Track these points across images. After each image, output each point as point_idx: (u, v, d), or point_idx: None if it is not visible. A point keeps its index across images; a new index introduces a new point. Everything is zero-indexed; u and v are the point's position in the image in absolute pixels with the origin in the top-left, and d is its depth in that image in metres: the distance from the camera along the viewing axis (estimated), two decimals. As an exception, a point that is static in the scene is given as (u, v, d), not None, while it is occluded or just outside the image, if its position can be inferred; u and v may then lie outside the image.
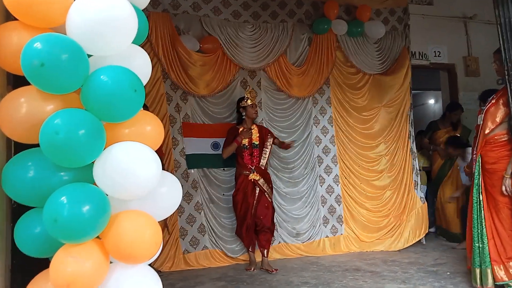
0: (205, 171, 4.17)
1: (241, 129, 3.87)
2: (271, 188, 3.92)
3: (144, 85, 1.50)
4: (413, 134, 5.02)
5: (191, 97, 4.14)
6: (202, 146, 4.14)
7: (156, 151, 1.50)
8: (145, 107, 3.68)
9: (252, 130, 3.91)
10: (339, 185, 4.70)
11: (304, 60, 4.62)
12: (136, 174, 1.37)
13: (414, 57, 5.33)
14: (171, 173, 1.80)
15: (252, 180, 3.81)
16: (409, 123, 4.97)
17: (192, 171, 4.11)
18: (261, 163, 3.87)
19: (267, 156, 3.92)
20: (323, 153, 4.71)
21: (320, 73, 4.61)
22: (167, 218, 3.83)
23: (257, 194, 3.79)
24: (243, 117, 3.91)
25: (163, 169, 1.57)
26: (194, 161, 4.11)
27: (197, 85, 4.13)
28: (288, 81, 4.50)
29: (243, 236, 3.83)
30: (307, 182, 4.57)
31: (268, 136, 3.95)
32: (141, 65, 1.57)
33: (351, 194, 4.70)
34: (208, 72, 4.17)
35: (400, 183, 4.86)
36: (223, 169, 4.22)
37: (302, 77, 4.57)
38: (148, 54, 1.65)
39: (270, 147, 3.94)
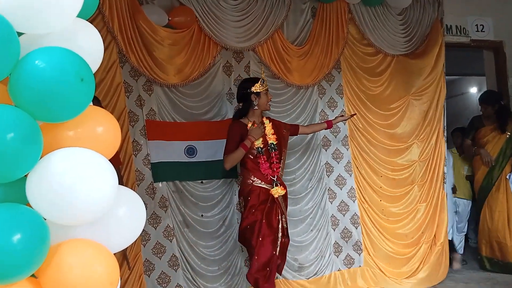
0: (177, 185, 4.16)
1: (249, 125, 3.65)
2: (286, 207, 3.77)
3: (94, 72, 1.49)
4: (445, 134, 5.09)
5: (157, 87, 4.13)
6: (173, 151, 4.12)
7: (111, 160, 1.50)
8: (96, 101, 3.66)
9: (265, 127, 3.70)
10: (355, 201, 4.73)
11: (307, 37, 4.64)
12: (84, 191, 1.37)
13: (449, 33, 5.40)
14: (131, 188, 1.79)
15: (274, 197, 3.58)
16: (444, 117, 5.04)
17: (160, 185, 4.10)
18: (281, 171, 3.72)
19: (285, 159, 3.83)
20: (334, 159, 4.73)
21: (327, 54, 4.64)
22: (126, 249, 3.80)
23: (279, 217, 3.59)
24: (255, 107, 3.68)
25: (121, 183, 1.56)
26: (163, 171, 4.10)
27: (165, 71, 4.12)
28: (285, 64, 4.52)
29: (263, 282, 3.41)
30: (313, 198, 4.58)
31: (284, 132, 3.81)
32: (90, 45, 1.57)
33: (371, 213, 4.74)
34: (179, 54, 4.16)
35: (432, 197, 4.92)
36: (201, 182, 4.22)
37: (304, 60, 4.59)
38: (100, 31, 1.65)
39: (286, 145, 3.82)
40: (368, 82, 4.82)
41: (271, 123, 3.75)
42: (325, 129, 4.12)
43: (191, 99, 4.24)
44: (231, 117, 4.32)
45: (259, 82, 3.68)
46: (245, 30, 4.38)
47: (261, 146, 3.62)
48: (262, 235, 3.47)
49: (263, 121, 3.74)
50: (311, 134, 4.56)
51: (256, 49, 4.41)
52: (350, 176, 4.74)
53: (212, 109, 4.30)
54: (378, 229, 4.71)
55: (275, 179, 3.60)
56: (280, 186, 3.61)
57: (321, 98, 4.71)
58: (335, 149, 4.73)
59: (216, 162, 4.21)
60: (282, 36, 4.52)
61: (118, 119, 3.84)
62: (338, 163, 4.74)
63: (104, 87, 3.91)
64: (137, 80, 4.09)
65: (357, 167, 4.75)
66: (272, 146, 3.66)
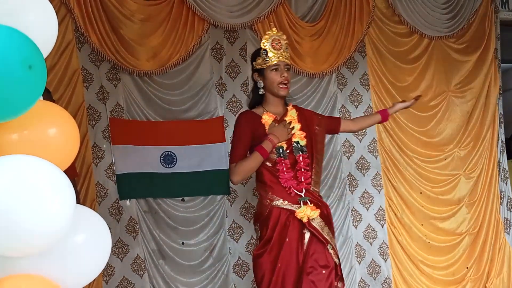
0: (150, 203, 4.15)
1: (265, 116, 3.21)
2: (333, 233, 3.24)
3: (45, 56, 1.49)
4: (503, 139, 5.10)
5: (125, 76, 4.12)
6: (145, 160, 4.12)
7: (65, 171, 1.49)
8: (46, 94, 3.64)
9: (288, 119, 3.22)
10: (384, 225, 4.74)
11: (322, 11, 4.64)
12: (31, 213, 1.36)
13: (505, 7, 5.42)
14: (90, 207, 1.79)
15: (304, 220, 3.06)
16: (498, 119, 5.06)
17: (128, 203, 4.09)
18: (313, 184, 3.19)
19: (321, 167, 3.33)
20: (358, 169, 4.74)
21: (348, 33, 4.65)
22: (85, 287, 3.78)
23: (307, 241, 3.08)
24: (260, 91, 3.24)
25: (77, 201, 1.55)
26: (132, 186, 4.09)
27: (136, 55, 4.12)
28: (294, 47, 4.50)
29: None
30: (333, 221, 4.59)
31: (316, 129, 3.32)
32: (40, 21, 1.56)
33: (404, 242, 4.75)
34: (155, 33, 4.16)
35: (483, 222, 4.93)
36: (182, 200, 4.22)
37: (318, 40, 4.59)
38: (52, 2, 1.64)
39: (322, 151, 3.36)
40: (399, 71, 4.85)
41: (298, 114, 3.28)
42: (379, 122, 3.64)
43: (170, 92, 4.24)
44: (222, 115, 4.33)
45: (261, 54, 3.22)
46: (240, 2, 4.38)
47: (284, 147, 3.16)
48: (274, 280, 3.03)
49: (286, 111, 3.28)
50: (330, 135, 4.41)
51: (255, 26, 4.42)
52: (379, 192, 4.76)
53: (197, 104, 4.29)
54: (412, 262, 4.73)
55: (302, 194, 3.11)
56: (311, 204, 3.08)
57: (341, 90, 4.73)
58: (360, 157, 4.75)
59: (201, 173, 4.21)
60: (289, 9, 4.52)
61: (74, 118, 3.82)
62: (364, 175, 4.75)
63: (55, 76, 3.89)
64: (99, 67, 4.08)
65: (389, 180, 4.77)
66: (299, 146, 3.18)
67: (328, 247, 3.08)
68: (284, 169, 3.12)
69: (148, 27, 4.15)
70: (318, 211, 3.07)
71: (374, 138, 4.78)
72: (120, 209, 4.06)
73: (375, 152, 4.77)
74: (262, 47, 3.21)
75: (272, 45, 3.19)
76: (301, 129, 3.22)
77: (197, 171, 4.23)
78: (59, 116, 1.56)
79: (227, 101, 4.38)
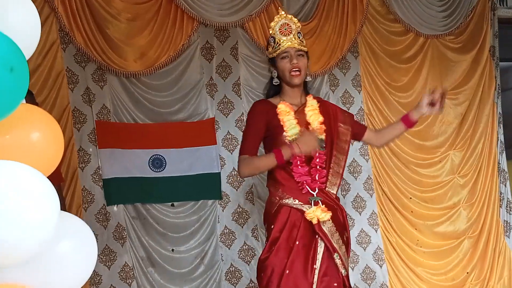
0: (138, 208, 4.15)
1: (281, 105, 2.98)
2: (346, 241, 3.02)
3: (28, 57, 1.48)
4: (502, 139, 5.12)
5: (112, 77, 4.12)
6: (133, 164, 4.12)
7: (49, 177, 1.49)
8: (28, 97, 3.62)
9: (308, 110, 3.00)
10: (378, 230, 4.76)
11: (314, 9, 4.66)
12: (12, 220, 1.34)
13: (503, 4, 5.45)
14: (76, 214, 1.78)
15: (313, 222, 2.87)
16: (496, 119, 5.08)
17: (115, 208, 4.09)
18: (328, 184, 3.03)
19: (342, 168, 3.12)
20: (350, 173, 4.76)
21: (341, 32, 4.67)
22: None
23: (320, 256, 2.89)
24: (275, 81, 3.05)
25: (63, 207, 1.55)
26: (119, 191, 4.09)
27: (123, 55, 4.12)
28: (285, 46, 4.54)
29: None
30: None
31: (342, 127, 3.11)
32: (21, 22, 1.55)
33: (399, 247, 4.76)
34: (142, 32, 4.17)
35: (484, 225, 4.94)
36: (172, 205, 4.22)
37: (310, 40, 4.59)
38: (35, 1, 1.64)
39: (347, 149, 3.14)
40: (394, 71, 4.86)
41: (319, 106, 3.04)
42: (405, 131, 3.27)
43: (158, 93, 4.24)
44: (212, 116, 4.33)
45: (269, 42, 3.07)
46: (231, 0, 4.39)
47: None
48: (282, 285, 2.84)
49: (306, 101, 3.05)
50: None
51: (246, 25, 4.43)
52: (371, 196, 4.78)
53: (187, 106, 4.29)
54: (409, 267, 4.74)
55: (315, 193, 2.93)
56: (323, 205, 2.90)
57: (333, 92, 4.74)
58: (352, 160, 4.76)
59: (192, 177, 4.21)
60: (280, 8, 4.52)
61: (58, 121, 3.82)
62: (356, 178, 4.76)
63: (39, 77, 3.89)
64: (85, 68, 4.08)
65: (380, 184, 4.78)
66: (319, 142, 2.93)
67: (335, 256, 2.89)
68: (298, 162, 2.91)
69: (135, 26, 4.15)
70: (329, 214, 2.88)
71: (365, 141, 4.79)
72: (107, 215, 4.06)
73: (366, 155, 4.79)
74: (271, 33, 3.06)
75: (280, 31, 3.02)
76: (323, 122, 2.99)
77: (187, 175, 4.23)
78: (42, 120, 1.55)
79: (218, 102, 4.37)
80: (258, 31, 4.46)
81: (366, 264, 4.70)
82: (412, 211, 4.81)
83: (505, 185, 5.06)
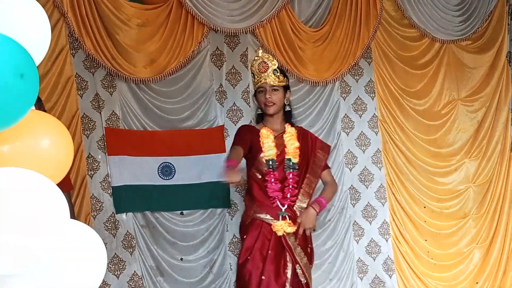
0: (148, 217, 4.15)
1: (263, 130, 3.51)
2: (309, 252, 3.53)
3: (38, 63, 1.48)
4: None
5: (121, 83, 4.13)
6: (142, 171, 4.13)
7: (59, 184, 1.48)
8: (37, 103, 3.63)
9: (286, 136, 3.54)
10: (389, 239, 4.72)
11: (326, 15, 4.65)
12: (19, 225, 1.34)
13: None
14: (84, 222, 1.78)
15: (280, 235, 3.40)
16: (511, 126, 5.05)
17: (125, 217, 4.09)
18: (298, 203, 3.50)
19: (312, 189, 3.57)
20: (361, 181, 4.73)
21: (354, 38, 4.66)
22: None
23: (290, 264, 3.40)
24: (260, 111, 3.62)
25: (71, 215, 1.54)
26: (128, 199, 4.10)
27: (132, 62, 4.13)
28: (296, 53, 4.53)
29: None
30: (332, 236, 4.57)
31: (319, 153, 3.63)
32: (31, 27, 1.55)
33: (409, 257, 4.73)
34: (152, 38, 4.17)
35: (496, 234, 4.91)
36: (181, 214, 4.22)
37: (322, 46, 4.60)
38: (43, 6, 1.64)
39: (319, 173, 3.61)
40: (408, 77, 4.83)
41: (298, 133, 3.57)
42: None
43: (168, 100, 4.24)
44: (222, 124, 4.32)
45: (252, 77, 3.65)
46: (241, 6, 4.40)
47: (274, 159, 3.47)
48: None
49: (285, 129, 3.56)
50: (332, 146, 4.51)
51: (257, 31, 4.43)
52: (383, 205, 4.74)
53: (196, 113, 4.29)
54: (419, 278, 4.71)
55: (283, 209, 3.43)
56: (289, 221, 3.40)
57: (344, 99, 4.73)
58: (363, 169, 4.74)
59: (201, 186, 4.22)
60: (292, 14, 4.53)
61: (67, 127, 3.83)
62: (367, 187, 4.73)
63: (48, 83, 3.90)
64: (94, 74, 4.09)
65: (393, 193, 4.75)
66: (290, 164, 3.48)
67: (296, 266, 3.40)
68: (273, 180, 3.44)
69: (145, 32, 4.16)
70: (294, 228, 3.40)
71: (378, 148, 4.76)
72: (116, 223, 4.06)
73: (379, 163, 4.76)
74: (252, 70, 3.59)
75: (259, 68, 3.50)
76: (300, 148, 3.51)
77: (196, 183, 4.24)
78: (52, 127, 1.55)
79: (228, 110, 4.37)
80: (269, 38, 4.45)
81: (376, 274, 4.67)
82: (425, 221, 4.78)
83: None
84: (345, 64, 4.66)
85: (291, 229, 3.38)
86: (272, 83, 3.47)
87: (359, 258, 4.65)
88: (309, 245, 3.55)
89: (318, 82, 4.60)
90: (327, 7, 4.66)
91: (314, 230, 3.55)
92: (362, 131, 4.75)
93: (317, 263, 4.48)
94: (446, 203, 4.85)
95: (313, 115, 4.60)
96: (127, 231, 4.08)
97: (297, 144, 3.51)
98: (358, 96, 4.77)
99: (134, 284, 4.07)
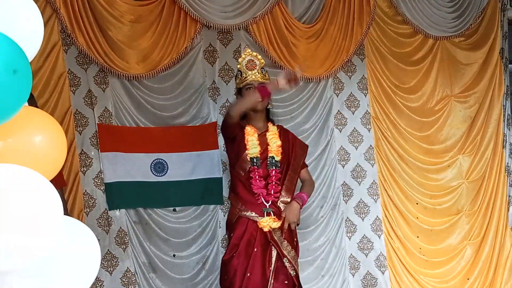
0: (140, 213, 4.15)
1: (248, 128, 3.65)
2: (295, 245, 3.68)
3: (31, 59, 1.48)
4: (508, 142, 5.11)
5: (114, 79, 4.12)
6: (135, 168, 4.12)
7: (52, 180, 1.48)
8: (30, 99, 3.62)
9: (269, 135, 3.69)
10: (381, 236, 4.74)
11: (319, 11, 4.66)
12: (14, 222, 1.34)
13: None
14: (77, 218, 1.78)
15: (267, 230, 3.53)
16: (503, 122, 5.07)
17: (118, 213, 4.08)
18: (281, 198, 3.65)
19: (294, 185, 3.73)
20: (354, 178, 4.74)
21: (347, 34, 4.66)
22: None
23: (273, 260, 3.54)
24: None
25: (65, 212, 1.54)
26: (121, 195, 4.09)
27: (125, 58, 4.13)
28: (290, 49, 4.53)
29: None
30: (325, 233, 4.58)
31: (298, 152, 3.79)
32: (24, 23, 1.55)
33: (401, 254, 4.75)
34: (145, 35, 4.17)
35: (488, 230, 4.93)
36: (174, 210, 4.21)
37: (315, 42, 4.61)
38: (37, 2, 1.63)
39: (299, 171, 3.78)
40: (402, 73, 4.85)
41: (279, 132, 3.73)
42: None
43: (160, 96, 4.24)
44: (215, 120, 4.32)
45: (237, 74, 3.75)
46: (234, 2, 4.39)
47: (258, 157, 3.60)
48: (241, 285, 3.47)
49: (268, 127, 3.70)
50: (324, 145, 4.63)
51: (250, 27, 4.43)
52: (376, 202, 4.75)
53: (189, 109, 4.29)
54: (411, 275, 4.73)
55: (268, 205, 3.56)
56: (274, 216, 3.54)
57: (337, 95, 4.73)
58: (356, 165, 4.75)
59: (193, 182, 4.22)
60: (285, 10, 4.53)
61: (60, 124, 3.81)
62: (360, 184, 4.74)
63: (40, 80, 3.89)
64: (87, 70, 4.08)
65: (385, 190, 4.76)
66: (273, 161, 3.63)
67: (284, 260, 3.54)
68: (257, 177, 3.58)
69: (138, 28, 4.15)
70: (279, 223, 3.52)
71: (371, 145, 4.77)
72: (109, 220, 4.05)
73: (372, 160, 4.77)
74: (238, 67, 3.71)
75: (246, 66, 3.65)
76: (281, 146, 3.66)
77: (189, 179, 4.23)
78: (45, 123, 1.55)
79: (221, 106, 4.37)
80: (262, 34, 4.45)
81: (368, 271, 4.68)
82: (417, 217, 4.80)
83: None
84: (338, 60, 4.66)
85: (276, 224, 3.51)
86: (260, 80, 3.62)
87: (351, 254, 4.66)
88: (295, 238, 3.68)
89: (311, 79, 4.60)
90: (321, 4, 4.66)
91: (298, 224, 3.65)
92: (355, 128, 4.76)
93: (310, 260, 4.51)
94: (438, 199, 4.87)
95: (307, 111, 4.61)
96: (120, 227, 4.08)
97: (279, 142, 3.66)
98: (351, 92, 4.78)
99: (127, 280, 4.06)
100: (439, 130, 4.94)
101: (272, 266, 3.51)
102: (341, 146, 4.72)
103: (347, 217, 4.69)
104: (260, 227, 3.51)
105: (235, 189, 3.68)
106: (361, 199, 4.74)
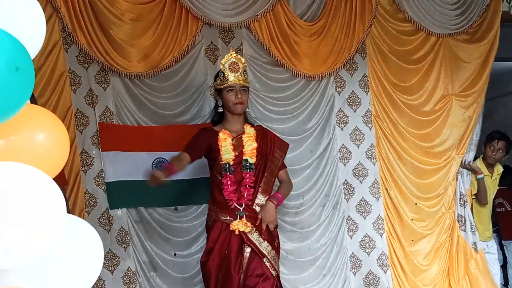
0: (141, 212, 4.16)
1: (221, 135, 3.66)
2: (276, 247, 3.69)
3: (33, 57, 1.48)
4: (474, 140, 5.11)
5: (115, 78, 4.13)
6: (136, 167, 4.11)
7: (55, 179, 1.49)
8: (31, 99, 3.63)
9: (245, 137, 3.70)
10: (383, 235, 4.74)
11: (321, 9, 4.66)
12: (16, 221, 1.34)
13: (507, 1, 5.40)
14: (79, 217, 1.78)
15: (238, 233, 3.56)
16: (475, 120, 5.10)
17: (119, 212, 4.09)
18: (256, 201, 3.66)
19: (271, 187, 3.73)
20: (355, 176, 4.75)
21: (349, 32, 4.66)
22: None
23: (246, 259, 3.57)
24: (219, 108, 3.75)
25: (67, 210, 1.54)
26: (122, 194, 4.10)
27: (126, 56, 4.13)
28: (292, 47, 4.53)
29: None
30: (327, 232, 4.59)
31: (277, 152, 3.79)
32: (27, 21, 1.55)
33: (402, 253, 4.77)
34: (146, 33, 4.17)
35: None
36: (175, 209, 4.22)
37: (317, 40, 4.61)
38: (38, 0, 1.63)
39: (276, 172, 3.77)
40: (403, 72, 4.84)
41: (257, 133, 3.74)
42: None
43: (162, 95, 4.24)
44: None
45: (219, 75, 3.72)
46: (236, 0, 4.39)
47: (230, 163, 3.61)
48: (216, 285, 3.56)
49: (244, 131, 3.71)
50: (326, 144, 4.63)
51: (252, 25, 4.43)
52: (378, 200, 4.76)
53: (191, 108, 4.30)
54: (413, 274, 4.75)
55: (241, 208, 3.58)
56: (246, 219, 3.56)
57: (339, 93, 4.73)
58: (357, 164, 4.75)
59: (195, 181, 4.22)
60: (287, 8, 4.53)
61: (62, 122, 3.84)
62: (361, 182, 4.75)
63: (41, 79, 3.89)
64: (88, 69, 4.08)
65: (386, 189, 4.77)
66: (247, 164, 3.64)
67: (264, 260, 3.56)
68: (229, 183, 3.59)
69: (139, 27, 4.15)
70: (249, 228, 3.54)
71: (372, 143, 4.78)
72: (110, 219, 4.06)
73: (373, 158, 4.77)
74: (220, 68, 3.70)
75: (230, 68, 3.66)
76: (258, 148, 3.67)
77: (190, 178, 4.23)
78: (48, 121, 1.55)
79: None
80: (264, 32, 4.45)
81: (370, 270, 4.68)
82: (412, 219, 4.81)
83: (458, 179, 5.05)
84: (340, 58, 4.66)
85: (246, 228, 3.53)
86: (242, 83, 3.66)
87: (353, 253, 4.67)
88: (276, 240, 3.71)
89: (313, 77, 4.60)
90: (322, 1, 4.66)
91: (276, 225, 3.66)
92: (356, 126, 4.76)
93: (311, 259, 4.52)
94: (433, 199, 4.89)
95: (309, 110, 4.61)
96: (121, 226, 4.08)
97: (254, 145, 3.67)
98: (353, 91, 4.78)
99: (128, 279, 4.07)
100: (439, 130, 4.94)
101: (244, 267, 3.54)
102: (343, 144, 4.72)
103: (349, 216, 4.69)
104: (233, 229, 3.55)
105: (212, 193, 3.72)
106: (362, 197, 4.74)
